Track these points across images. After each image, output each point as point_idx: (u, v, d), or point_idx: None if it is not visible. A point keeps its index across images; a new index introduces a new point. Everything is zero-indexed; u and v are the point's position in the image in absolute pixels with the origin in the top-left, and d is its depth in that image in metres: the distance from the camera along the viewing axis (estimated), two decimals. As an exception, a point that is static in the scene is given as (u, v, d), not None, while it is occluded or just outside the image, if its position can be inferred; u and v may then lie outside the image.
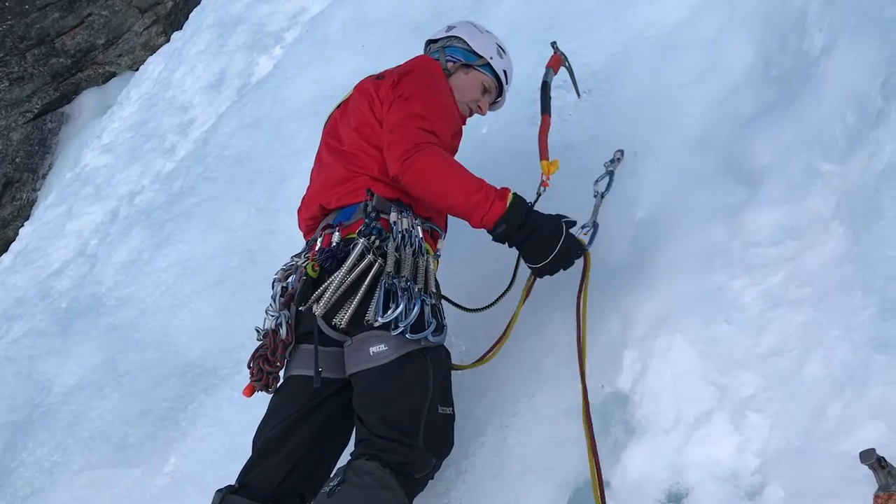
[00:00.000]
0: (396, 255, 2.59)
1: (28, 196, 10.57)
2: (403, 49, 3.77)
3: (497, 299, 3.06)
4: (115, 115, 7.66)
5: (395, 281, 2.53)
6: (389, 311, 2.48)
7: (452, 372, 2.79)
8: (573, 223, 2.73)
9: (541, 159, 3.16)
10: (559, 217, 2.68)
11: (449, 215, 2.92)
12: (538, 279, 2.83)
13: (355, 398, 2.59)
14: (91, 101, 10.61)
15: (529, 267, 2.70)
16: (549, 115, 3.40)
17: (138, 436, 3.94)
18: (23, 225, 8.01)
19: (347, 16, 5.67)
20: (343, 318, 2.53)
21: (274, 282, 2.82)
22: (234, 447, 3.50)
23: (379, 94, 2.91)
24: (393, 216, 2.70)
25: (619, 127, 3.63)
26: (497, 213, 2.57)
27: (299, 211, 3.10)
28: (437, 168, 2.61)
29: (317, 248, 2.71)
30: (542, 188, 3.21)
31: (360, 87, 3.06)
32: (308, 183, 3.12)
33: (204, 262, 4.71)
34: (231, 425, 3.71)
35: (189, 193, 5.38)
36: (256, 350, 2.78)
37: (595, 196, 3.27)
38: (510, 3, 4.87)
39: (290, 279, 2.75)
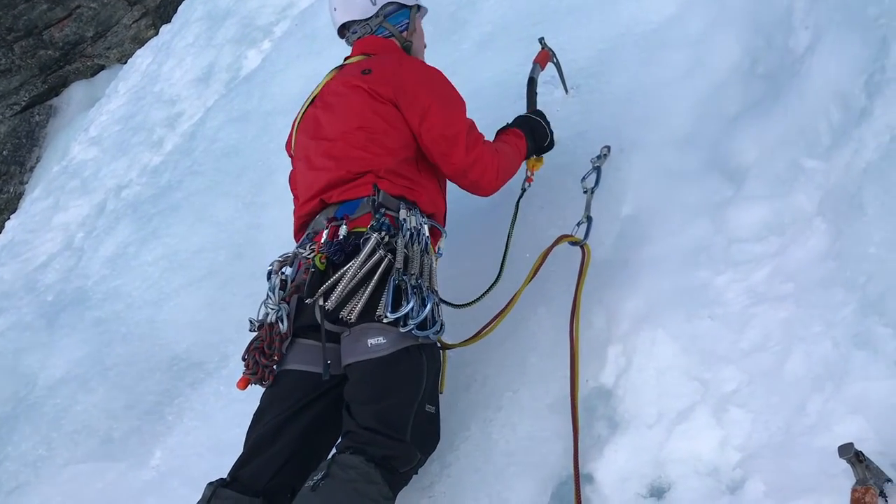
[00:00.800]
0: (406, 251, 2.61)
1: (15, 189, 10.53)
2: (391, 43, 3.75)
3: (482, 294, 3.06)
4: (103, 108, 7.63)
5: (405, 278, 2.55)
6: (400, 308, 2.50)
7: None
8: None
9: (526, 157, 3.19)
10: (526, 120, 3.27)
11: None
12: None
13: (348, 387, 2.59)
14: (79, 94, 10.58)
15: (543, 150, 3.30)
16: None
17: (124, 430, 3.93)
18: (9, 217, 7.98)
19: (336, 10, 5.65)
20: (352, 312, 2.52)
21: (270, 273, 2.79)
22: (220, 441, 3.51)
23: (380, 92, 2.86)
24: (402, 213, 2.71)
25: (605, 123, 3.64)
26: (525, 152, 3.22)
27: (294, 211, 3.11)
28: (495, 163, 2.97)
29: (322, 240, 2.69)
30: (526, 184, 3.24)
31: (343, 83, 2.99)
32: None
33: (191, 255, 4.70)
34: (217, 419, 3.70)
35: (176, 187, 5.37)
36: (251, 342, 2.74)
37: (584, 192, 3.29)
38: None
39: (287, 270, 2.73)
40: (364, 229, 2.66)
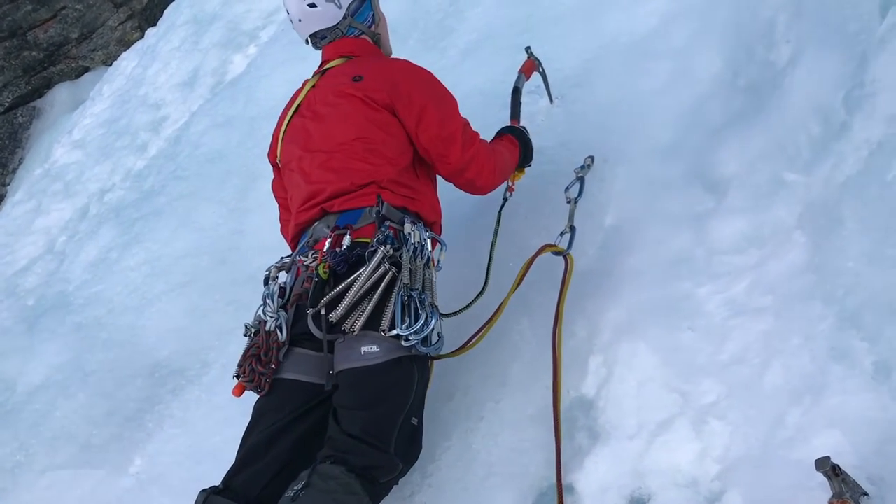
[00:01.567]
0: (410, 266, 2.61)
1: (-3, 190, 10.42)
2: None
3: (468, 305, 3.04)
4: (87, 110, 7.58)
5: (412, 293, 2.55)
6: (405, 324, 2.50)
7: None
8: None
9: None
10: (520, 131, 3.33)
11: None
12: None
13: (337, 394, 2.58)
14: (63, 96, 10.49)
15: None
16: (519, 121, 3.42)
17: (103, 436, 3.90)
18: (-9, 220, 7.90)
19: (323, 16, 5.64)
20: (356, 324, 2.51)
21: (267, 279, 2.77)
22: (201, 449, 3.49)
23: (375, 98, 2.85)
24: (407, 227, 2.71)
25: (589, 133, 3.65)
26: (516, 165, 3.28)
27: (285, 220, 3.11)
28: (491, 161, 3.02)
29: (325, 250, 2.67)
30: (508, 194, 3.25)
31: (334, 92, 2.94)
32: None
33: (173, 261, 4.68)
34: (197, 427, 3.68)
35: (160, 192, 5.34)
36: (248, 349, 2.72)
37: (568, 202, 3.30)
38: (484, 7, 4.89)
39: (284, 277, 2.71)
40: (367, 240, 2.65)
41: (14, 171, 10.45)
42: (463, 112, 3.03)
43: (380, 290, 2.55)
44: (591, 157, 3.49)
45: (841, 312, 2.31)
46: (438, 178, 3.10)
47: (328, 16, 3.06)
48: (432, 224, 2.93)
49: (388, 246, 2.60)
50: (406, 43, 4.73)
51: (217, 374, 3.88)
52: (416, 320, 2.53)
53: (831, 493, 1.90)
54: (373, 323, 2.53)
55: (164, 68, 6.93)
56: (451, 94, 3.02)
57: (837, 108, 2.68)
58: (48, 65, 10.88)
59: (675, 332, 2.65)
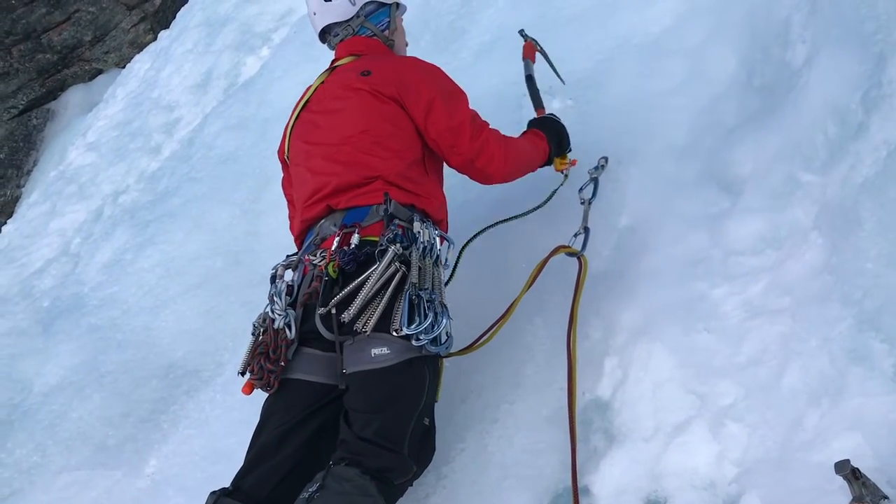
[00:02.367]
0: (420, 264, 2.60)
1: (12, 192, 10.50)
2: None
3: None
4: (101, 113, 7.60)
5: (421, 293, 2.54)
6: (415, 324, 2.49)
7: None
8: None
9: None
10: (554, 120, 3.32)
11: None
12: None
13: (348, 396, 2.57)
14: (77, 98, 10.55)
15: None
16: (543, 109, 3.43)
17: (119, 437, 3.91)
18: (6, 222, 7.95)
19: (335, 18, 5.65)
20: (367, 323, 2.50)
21: (274, 277, 2.77)
22: (216, 450, 3.50)
23: (383, 92, 2.86)
24: (416, 226, 2.70)
25: (603, 134, 3.64)
26: (547, 152, 3.23)
27: (292, 216, 3.10)
28: (501, 149, 2.98)
29: (333, 248, 2.66)
30: (564, 177, 3.34)
31: (343, 86, 2.95)
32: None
33: (187, 262, 4.68)
34: (212, 428, 3.69)
35: (174, 193, 5.35)
36: (256, 346, 2.71)
37: (582, 203, 3.29)
38: (497, 8, 4.87)
39: (291, 275, 2.70)
40: (375, 238, 2.65)
41: (29, 172, 10.52)
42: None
43: (390, 290, 2.54)
44: (605, 158, 3.48)
45: (860, 314, 2.29)
46: (446, 176, 3.10)
47: (341, 10, 3.11)
48: (439, 222, 2.92)
49: (398, 244, 2.60)
50: (418, 44, 4.72)
51: (231, 374, 3.88)
52: (426, 319, 2.51)
53: (851, 497, 1.89)
54: (383, 323, 2.52)
55: (178, 70, 6.94)
56: (459, 88, 3.03)
57: (854, 108, 2.67)
58: (62, 67, 10.94)
59: (692, 333, 2.65)
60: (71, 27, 10.92)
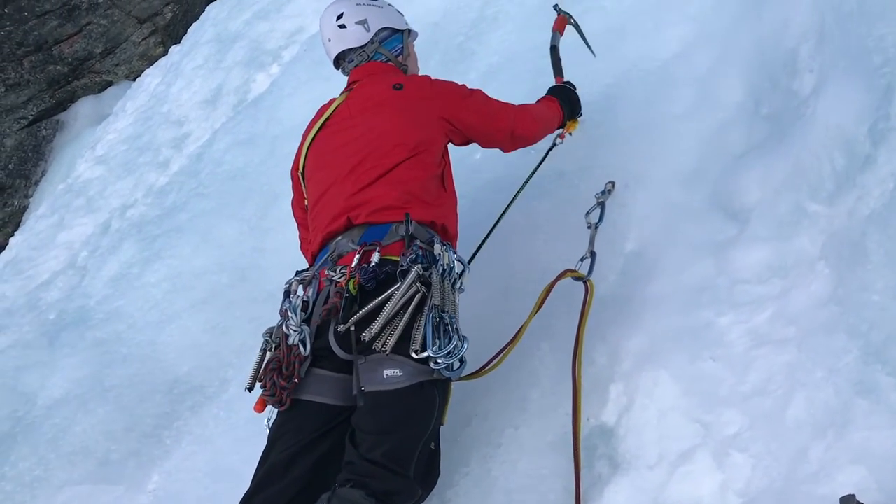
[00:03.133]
0: (440, 286, 2.60)
1: (20, 202, 10.55)
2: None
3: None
4: (110, 126, 7.65)
5: (443, 315, 2.54)
6: (436, 346, 2.48)
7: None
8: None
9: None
10: (569, 90, 3.61)
11: None
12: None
13: (356, 416, 2.55)
14: (87, 110, 10.61)
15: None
16: (563, 77, 3.66)
17: (122, 452, 3.91)
18: (13, 232, 7.99)
19: (345, 36, 5.69)
20: (387, 343, 2.49)
21: (288, 292, 2.75)
22: (218, 467, 3.50)
23: (422, 95, 3.03)
24: (437, 248, 2.70)
25: (610, 158, 3.66)
26: (561, 116, 3.53)
27: (303, 238, 3.14)
28: (528, 112, 3.32)
29: (353, 265, 2.65)
30: (559, 140, 3.60)
31: (373, 100, 2.99)
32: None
33: (194, 278, 4.70)
34: (216, 444, 3.69)
35: (181, 208, 5.38)
36: (268, 363, 2.69)
37: (588, 227, 3.30)
38: (505, 31, 4.91)
39: (306, 292, 2.68)
40: (396, 258, 2.65)
41: (37, 183, 10.57)
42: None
43: (409, 310, 2.54)
44: (612, 183, 3.49)
45: (866, 346, 2.29)
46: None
47: (356, 37, 3.20)
48: (452, 238, 2.94)
49: (420, 265, 2.60)
50: (427, 64, 4.75)
51: (236, 391, 3.88)
52: (449, 343, 2.51)
53: (856, 531, 1.89)
54: (400, 344, 2.51)
55: (188, 86, 6.99)
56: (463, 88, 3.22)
57: (862, 139, 2.67)
58: (72, 79, 11.02)
59: (697, 361, 2.65)
60: (82, 39, 11.01)
